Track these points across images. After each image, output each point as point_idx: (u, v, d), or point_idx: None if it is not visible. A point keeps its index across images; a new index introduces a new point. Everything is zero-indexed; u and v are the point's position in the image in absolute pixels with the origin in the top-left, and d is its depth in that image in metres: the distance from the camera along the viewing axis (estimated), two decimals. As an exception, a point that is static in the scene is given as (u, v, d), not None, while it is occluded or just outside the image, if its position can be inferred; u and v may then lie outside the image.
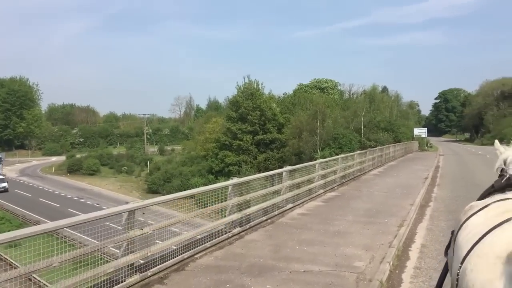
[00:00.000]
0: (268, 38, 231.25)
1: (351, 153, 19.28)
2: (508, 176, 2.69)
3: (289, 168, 10.97)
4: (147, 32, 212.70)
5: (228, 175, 55.80)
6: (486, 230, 2.15)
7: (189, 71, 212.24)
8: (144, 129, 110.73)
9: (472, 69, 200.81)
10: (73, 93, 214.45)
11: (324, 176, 13.86)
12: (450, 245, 2.79)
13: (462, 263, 2.16)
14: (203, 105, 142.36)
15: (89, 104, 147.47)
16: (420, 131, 57.51)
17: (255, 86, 58.36)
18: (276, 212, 9.98)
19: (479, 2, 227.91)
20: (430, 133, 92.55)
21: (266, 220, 9.41)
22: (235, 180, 8.25)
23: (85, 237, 16.43)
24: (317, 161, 13.56)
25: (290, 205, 10.89)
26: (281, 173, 10.79)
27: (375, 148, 24.13)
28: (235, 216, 8.11)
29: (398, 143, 38.95)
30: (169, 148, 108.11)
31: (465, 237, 2.31)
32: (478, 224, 2.29)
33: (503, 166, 2.92)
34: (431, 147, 58.68)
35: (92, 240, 5.83)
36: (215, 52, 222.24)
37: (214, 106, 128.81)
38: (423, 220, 10.49)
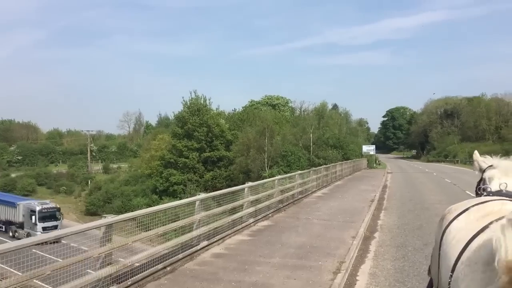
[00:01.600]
0: (220, 55, 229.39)
1: (291, 174, 17.43)
2: (488, 190, 2.73)
3: (202, 196, 8.75)
4: (95, 47, 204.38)
5: (173, 195, 52.65)
6: (470, 235, 2.10)
7: (139, 87, 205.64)
8: (88, 146, 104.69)
9: (417, 88, 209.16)
10: (13, 108, 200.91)
11: (255, 202, 11.76)
12: (433, 257, 2.76)
13: (452, 271, 2.10)
14: (154, 122, 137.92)
15: (30, 120, 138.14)
16: (369, 149, 57.33)
17: (202, 102, 56.05)
18: (181, 256, 7.68)
19: (422, 27, 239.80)
20: (379, 150, 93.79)
21: (164, 268, 7.09)
22: (109, 219, 5.92)
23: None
24: (246, 185, 11.46)
25: (204, 243, 8.65)
26: (193, 203, 8.57)
27: (320, 167, 22.47)
28: (108, 270, 5.77)
29: (346, 161, 37.89)
30: (115, 166, 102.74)
31: (450, 243, 2.26)
32: (460, 229, 2.24)
33: (486, 182, 2.94)
34: (379, 164, 58.68)
35: None
36: (166, 67, 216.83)
37: (164, 122, 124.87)
38: (365, 259, 8.56)
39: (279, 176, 14.52)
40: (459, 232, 2.24)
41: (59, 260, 5.36)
